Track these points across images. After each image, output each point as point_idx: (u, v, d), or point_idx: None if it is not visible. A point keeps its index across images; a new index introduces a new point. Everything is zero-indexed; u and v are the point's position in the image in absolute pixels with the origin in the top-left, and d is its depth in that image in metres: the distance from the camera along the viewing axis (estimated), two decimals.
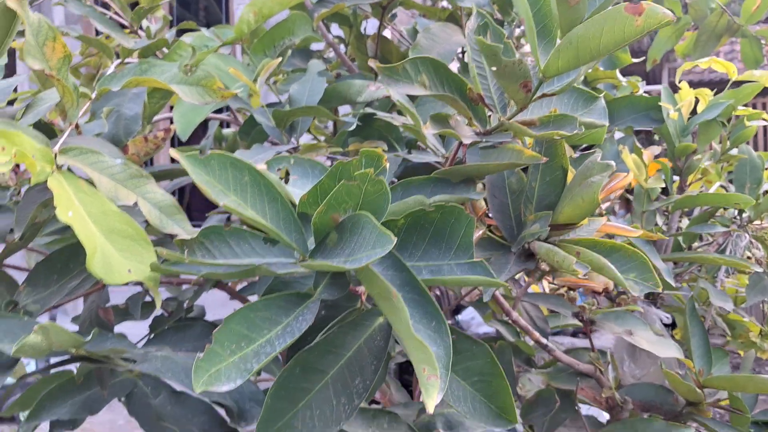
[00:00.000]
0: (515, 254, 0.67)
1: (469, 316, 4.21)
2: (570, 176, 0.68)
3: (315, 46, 1.38)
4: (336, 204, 0.51)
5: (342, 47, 1.49)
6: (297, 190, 0.63)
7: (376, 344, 0.57)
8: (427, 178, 0.67)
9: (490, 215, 0.69)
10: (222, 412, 0.79)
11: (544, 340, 0.84)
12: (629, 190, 1.03)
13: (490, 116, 0.67)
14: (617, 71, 1.13)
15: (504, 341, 1.04)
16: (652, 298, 1.06)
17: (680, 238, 1.15)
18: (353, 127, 0.88)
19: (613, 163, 0.58)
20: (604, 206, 0.84)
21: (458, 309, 4.46)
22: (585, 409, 1.51)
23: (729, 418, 0.99)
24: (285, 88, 1.06)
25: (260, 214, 0.52)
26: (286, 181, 0.66)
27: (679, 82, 1.11)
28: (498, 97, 0.65)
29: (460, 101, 0.64)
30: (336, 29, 1.41)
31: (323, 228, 0.53)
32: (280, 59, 0.85)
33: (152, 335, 1.04)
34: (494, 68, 0.57)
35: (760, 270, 1.01)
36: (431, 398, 0.43)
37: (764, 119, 1.04)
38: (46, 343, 0.58)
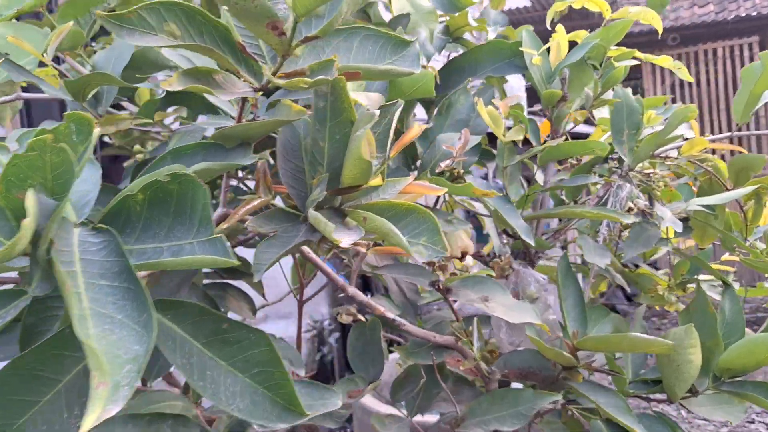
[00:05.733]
0: (307, 224, 0.59)
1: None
2: None
3: None
4: (18, 182, 0.42)
5: None
6: None
7: None
8: (198, 143, 0.58)
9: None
10: None
11: (391, 315, 0.77)
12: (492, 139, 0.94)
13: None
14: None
15: (375, 316, 0.96)
16: (528, 260, 1.00)
17: (564, 192, 1.08)
18: (163, 94, 0.78)
19: (376, 112, 0.50)
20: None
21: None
22: None
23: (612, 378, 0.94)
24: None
25: None
26: None
27: (552, 24, 1.03)
28: (267, 47, 0.56)
29: (224, 53, 0.55)
30: None
31: (18, 212, 0.44)
32: (71, 23, 0.75)
33: None
34: (225, 7, 0.48)
35: (636, 220, 0.94)
36: (91, 414, 0.35)
37: (636, 57, 0.97)
38: None
